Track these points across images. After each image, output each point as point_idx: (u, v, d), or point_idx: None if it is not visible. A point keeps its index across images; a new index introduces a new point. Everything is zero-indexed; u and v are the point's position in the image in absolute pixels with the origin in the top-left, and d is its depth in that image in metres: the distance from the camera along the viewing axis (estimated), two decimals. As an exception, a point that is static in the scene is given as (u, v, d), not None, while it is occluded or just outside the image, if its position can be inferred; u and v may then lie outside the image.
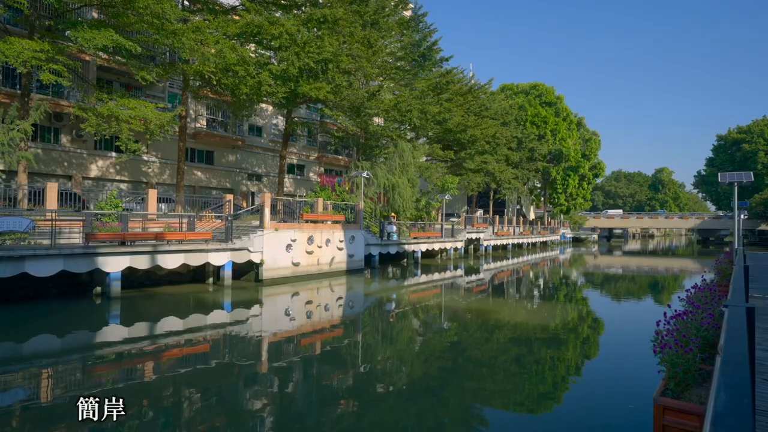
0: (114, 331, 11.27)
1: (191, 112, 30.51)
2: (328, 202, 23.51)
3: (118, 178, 27.62)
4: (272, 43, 21.92)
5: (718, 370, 2.59)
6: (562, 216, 66.97)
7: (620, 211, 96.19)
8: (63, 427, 5.98)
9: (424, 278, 23.30)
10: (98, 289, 15.02)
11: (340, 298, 17.40)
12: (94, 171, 26.50)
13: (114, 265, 14.28)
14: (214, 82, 22.01)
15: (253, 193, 35.26)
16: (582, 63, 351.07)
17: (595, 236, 75.90)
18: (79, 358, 9.23)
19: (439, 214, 35.53)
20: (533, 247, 50.87)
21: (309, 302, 16.22)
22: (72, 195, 18.24)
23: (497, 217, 46.40)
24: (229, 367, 8.70)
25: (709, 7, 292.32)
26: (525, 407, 7.22)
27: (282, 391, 7.58)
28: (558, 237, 61.46)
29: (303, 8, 25.03)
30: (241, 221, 21.38)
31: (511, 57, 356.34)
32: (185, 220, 17.58)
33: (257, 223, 19.54)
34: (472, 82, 46.91)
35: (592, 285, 23.74)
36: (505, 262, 33.59)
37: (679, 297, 7.53)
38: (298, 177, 39.40)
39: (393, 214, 28.93)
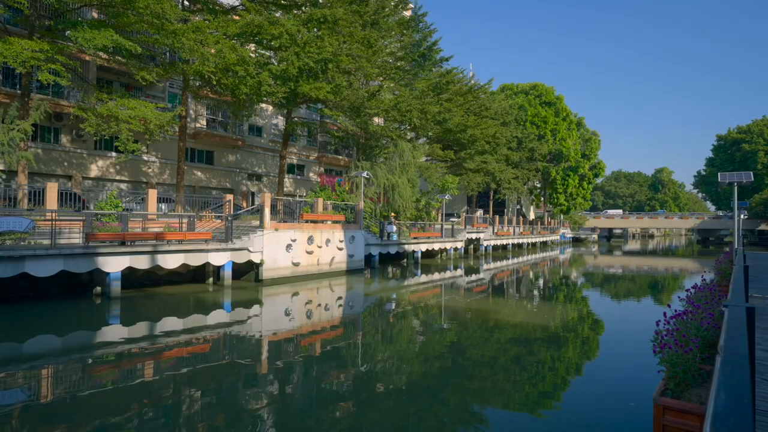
0: (114, 331, 11.27)
1: (191, 112, 30.52)
2: (328, 202, 23.51)
3: (118, 178, 27.62)
4: (272, 43, 21.92)
5: (718, 370, 2.58)
6: (562, 216, 66.98)
7: (620, 211, 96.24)
8: (63, 427, 5.99)
9: (424, 278, 23.30)
10: (98, 289, 15.02)
11: (340, 298, 17.40)
12: (94, 171, 26.50)
13: (114, 265, 14.28)
14: (214, 82, 22.01)
15: (253, 193, 35.26)
16: (582, 63, 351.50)
17: (595, 236, 75.90)
18: (79, 358, 9.23)
19: (439, 214, 35.53)
20: (533, 247, 50.87)
21: (309, 302, 16.22)
22: (72, 195, 18.25)
23: (497, 217, 46.41)
24: (229, 367, 8.70)
25: (709, 7, 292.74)
26: (525, 407, 7.22)
27: (282, 391, 7.58)
28: (558, 237, 61.46)
29: (303, 8, 25.03)
30: (241, 221, 21.39)
31: (511, 57, 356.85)
32: (185, 220, 17.58)
33: (257, 223, 19.54)
34: (472, 82, 46.94)
35: (592, 285, 23.74)
36: (505, 262, 33.58)
37: (679, 297, 7.53)
38: (298, 177, 39.40)
39: (393, 214, 28.93)
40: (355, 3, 25.52)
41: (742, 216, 37.40)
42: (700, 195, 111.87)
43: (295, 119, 30.32)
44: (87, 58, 24.07)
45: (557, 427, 6.31)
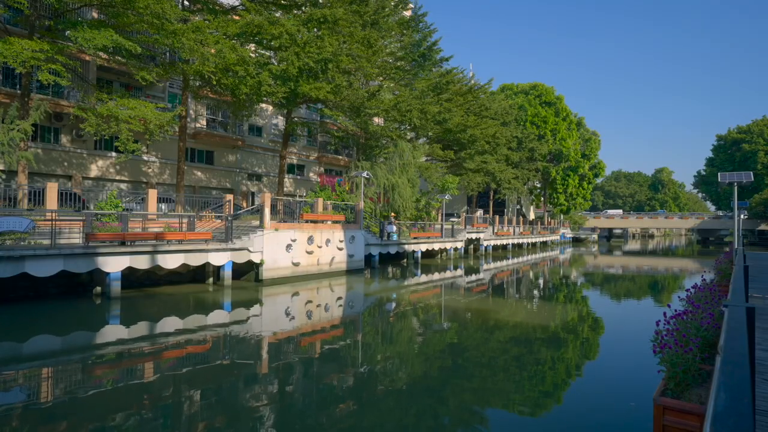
0: (114, 331, 11.27)
1: (191, 112, 30.52)
2: (328, 202, 23.51)
3: (118, 178, 27.62)
4: (272, 43, 21.92)
5: (718, 370, 2.58)
6: (562, 216, 66.97)
7: (620, 211, 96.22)
8: (63, 427, 5.99)
9: (424, 278, 23.30)
10: (98, 289, 15.02)
11: (340, 298, 17.40)
12: (94, 171, 26.50)
13: (114, 265, 14.28)
14: (214, 82, 22.01)
15: (253, 193, 35.26)
16: (582, 63, 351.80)
17: (595, 236, 75.90)
18: (79, 358, 9.23)
19: (439, 214, 35.53)
20: (533, 247, 50.87)
21: (309, 302, 16.22)
22: (72, 195, 18.25)
23: (497, 217, 46.41)
24: (229, 367, 8.70)
25: (709, 7, 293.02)
26: (525, 407, 7.22)
27: (282, 391, 7.58)
28: (558, 237, 61.45)
29: (303, 8, 25.03)
30: (241, 221, 21.39)
31: (511, 57, 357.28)
32: (185, 220, 17.58)
33: (257, 223, 19.55)
34: (472, 82, 46.95)
35: (592, 285, 23.74)
36: (505, 262, 33.58)
37: (679, 297, 7.53)
38: (298, 177, 39.40)
39: (393, 214, 28.93)
40: (355, 3, 25.51)
41: (742, 216, 37.40)
42: (700, 195, 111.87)
43: (295, 119, 30.32)
44: (87, 58, 24.07)
45: (557, 427, 6.31)
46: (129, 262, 14.67)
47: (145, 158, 28.59)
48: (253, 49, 23.68)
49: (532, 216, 69.33)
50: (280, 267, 19.27)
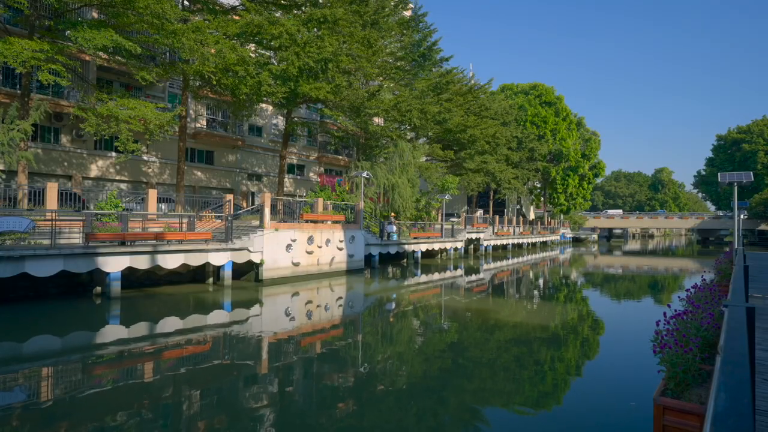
0: (114, 331, 11.27)
1: (191, 112, 30.51)
2: (328, 202, 23.51)
3: (118, 178, 27.61)
4: (272, 43, 21.93)
5: (718, 370, 2.58)
6: (562, 216, 66.97)
7: (620, 211, 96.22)
8: (63, 427, 5.99)
9: (424, 278, 23.30)
10: (98, 289, 15.02)
11: (340, 298, 17.40)
12: (94, 171, 26.50)
13: (114, 265, 14.28)
14: (214, 82, 22.01)
15: (253, 193, 35.26)
16: (582, 63, 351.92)
17: (595, 236, 75.90)
18: (79, 358, 9.23)
19: (439, 214, 35.53)
20: (533, 247, 50.86)
21: (309, 302, 16.22)
22: (72, 195, 18.25)
23: (497, 217, 46.41)
24: (229, 367, 8.70)
25: (709, 7, 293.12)
26: (525, 407, 7.22)
27: (282, 391, 7.58)
28: (558, 237, 61.45)
29: (303, 8, 25.04)
30: (241, 221, 21.38)
31: (511, 57, 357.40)
32: (185, 220, 17.58)
33: (257, 223, 19.55)
34: (472, 82, 46.96)
35: (592, 285, 23.74)
36: (505, 262, 33.58)
37: (679, 297, 7.53)
38: (298, 177, 39.40)
39: (393, 214, 28.93)
40: (355, 3, 25.51)
41: (742, 216, 37.41)
42: (700, 195, 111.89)
43: (295, 119, 30.32)
44: (87, 58, 24.07)
45: (557, 427, 6.31)
46: (129, 262, 14.67)
47: (145, 158, 28.59)
48: (253, 49, 23.68)
49: (532, 216, 69.34)
50: (280, 267, 19.27)
